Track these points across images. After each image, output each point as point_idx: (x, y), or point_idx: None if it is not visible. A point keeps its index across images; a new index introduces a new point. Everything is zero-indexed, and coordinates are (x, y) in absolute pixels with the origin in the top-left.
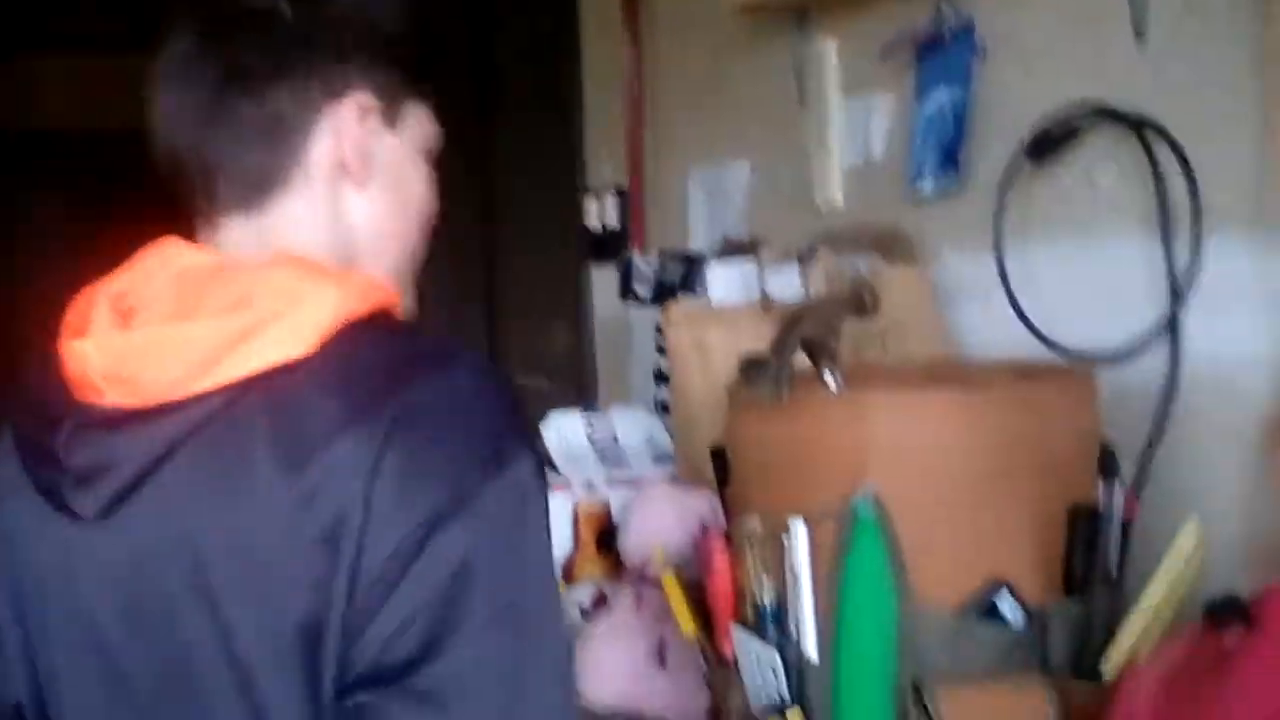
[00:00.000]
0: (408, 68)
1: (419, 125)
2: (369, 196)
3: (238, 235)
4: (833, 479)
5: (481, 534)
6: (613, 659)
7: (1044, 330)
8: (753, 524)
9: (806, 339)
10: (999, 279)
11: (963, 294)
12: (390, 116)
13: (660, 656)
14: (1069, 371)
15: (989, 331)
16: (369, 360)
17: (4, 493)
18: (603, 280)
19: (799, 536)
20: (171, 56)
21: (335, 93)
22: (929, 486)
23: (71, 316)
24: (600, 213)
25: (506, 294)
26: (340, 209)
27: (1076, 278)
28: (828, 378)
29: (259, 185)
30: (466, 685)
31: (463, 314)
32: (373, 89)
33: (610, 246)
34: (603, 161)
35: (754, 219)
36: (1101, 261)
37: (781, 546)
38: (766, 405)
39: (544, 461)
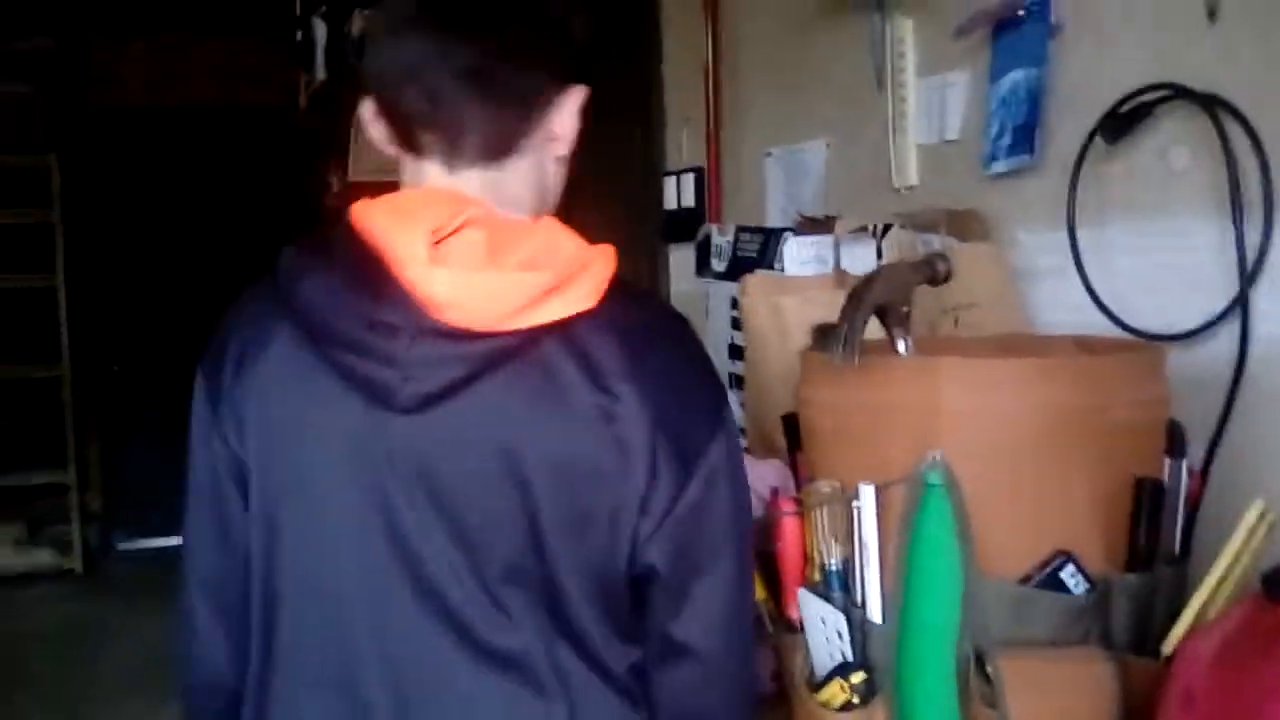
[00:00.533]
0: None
1: (581, 97)
2: (561, 163)
3: (476, 185)
4: (902, 444)
5: (718, 476)
6: None
7: (1115, 311)
8: (822, 489)
9: (879, 304)
10: (1072, 259)
11: (1036, 273)
12: (576, 93)
13: None
14: (1138, 346)
15: (1061, 311)
16: (634, 317)
17: (286, 378)
18: (680, 260)
19: (868, 501)
20: (419, 14)
21: (571, 79)
22: (997, 454)
23: (392, 240)
24: (678, 193)
25: None
26: (545, 170)
27: (1148, 258)
28: (899, 342)
29: (503, 146)
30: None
31: None
32: (573, 77)
33: (688, 226)
34: (681, 142)
35: (830, 197)
36: (1173, 242)
37: (850, 511)
38: (838, 370)
39: None
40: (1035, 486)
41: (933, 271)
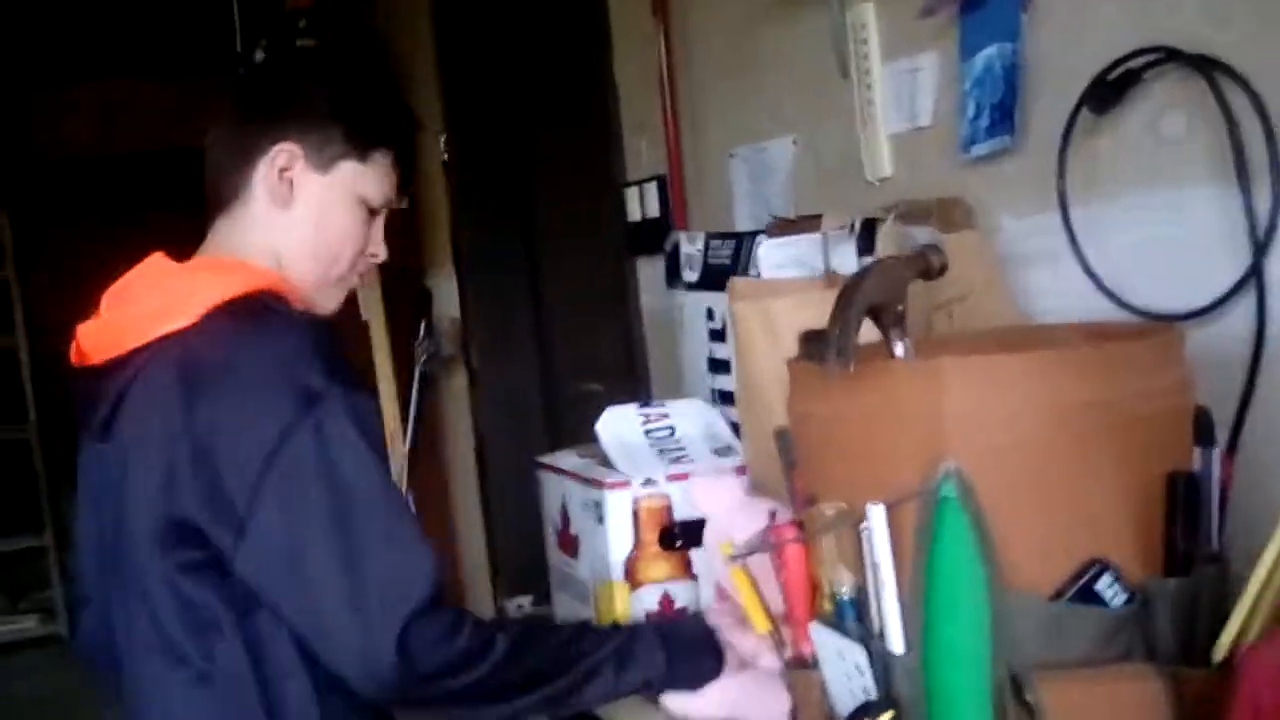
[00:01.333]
0: (365, 134)
1: (354, 179)
2: (292, 218)
3: (221, 234)
4: (909, 456)
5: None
6: None
7: (1118, 292)
8: (826, 512)
9: (872, 304)
10: (1067, 241)
11: (1024, 259)
12: (319, 164)
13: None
14: (1151, 329)
15: (1058, 298)
16: (222, 326)
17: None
18: (648, 273)
19: (878, 523)
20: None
21: (273, 139)
22: (1014, 459)
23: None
24: (641, 203)
25: (551, 296)
26: (272, 223)
27: (1148, 235)
28: (895, 345)
29: (228, 197)
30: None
31: (509, 320)
32: (302, 142)
33: (653, 237)
34: (640, 150)
35: (800, 196)
36: (1174, 216)
37: (859, 534)
38: (831, 380)
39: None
40: (1059, 490)
41: (926, 265)
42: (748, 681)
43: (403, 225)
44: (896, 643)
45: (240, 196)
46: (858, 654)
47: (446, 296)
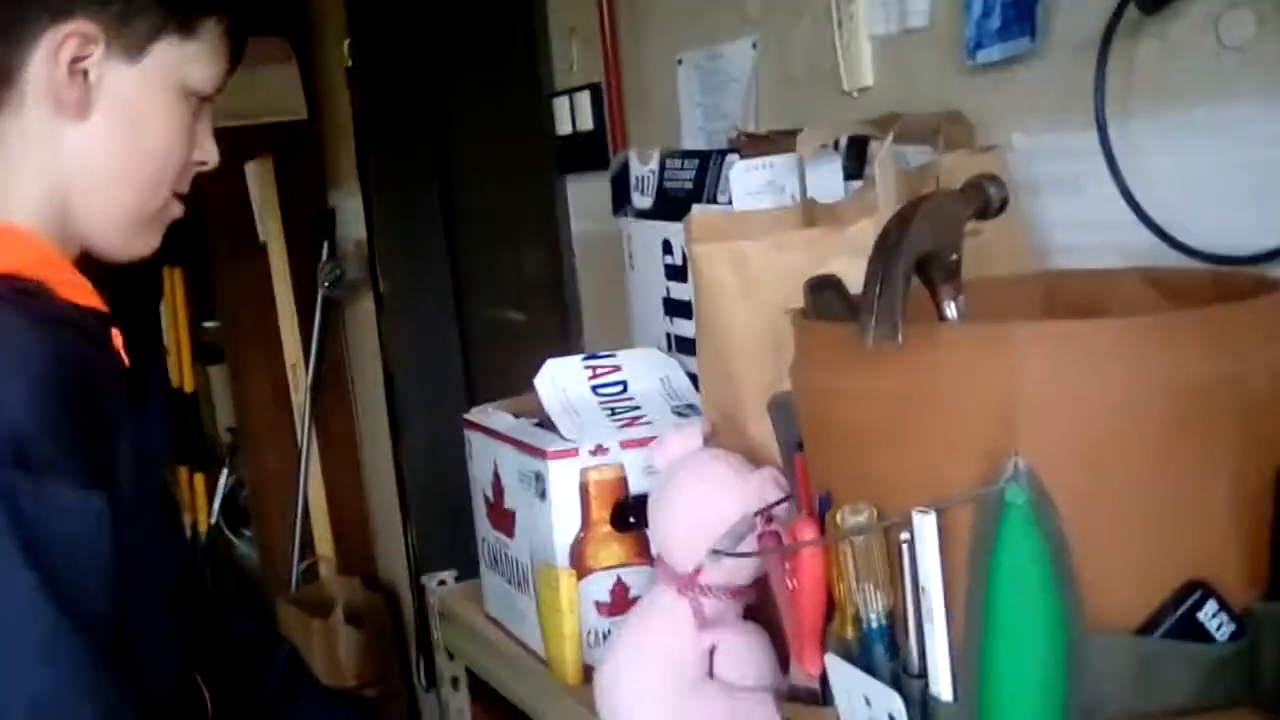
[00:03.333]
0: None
1: (177, 63)
2: (89, 130)
3: None
4: (966, 449)
5: None
6: (648, 679)
7: (1165, 227)
8: (855, 518)
9: (922, 252)
10: (1101, 164)
11: (1040, 186)
12: (127, 48)
13: (710, 671)
14: (1252, 281)
15: (1080, 232)
16: None
17: None
18: (580, 193)
19: (927, 535)
20: None
21: (54, 17)
22: (1102, 455)
23: None
24: (572, 115)
25: (468, 217)
26: (57, 144)
27: (1203, 160)
28: (948, 305)
29: None
30: None
31: (420, 242)
32: (98, 18)
33: (587, 153)
34: (571, 56)
35: (762, 109)
36: (1233, 137)
37: (895, 545)
38: (858, 347)
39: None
40: (1157, 495)
41: (985, 200)
42: (733, 704)
43: (303, 138)
44: (945, 688)
45: (3, 108)
46: (891, 700)
47: (352, 217)
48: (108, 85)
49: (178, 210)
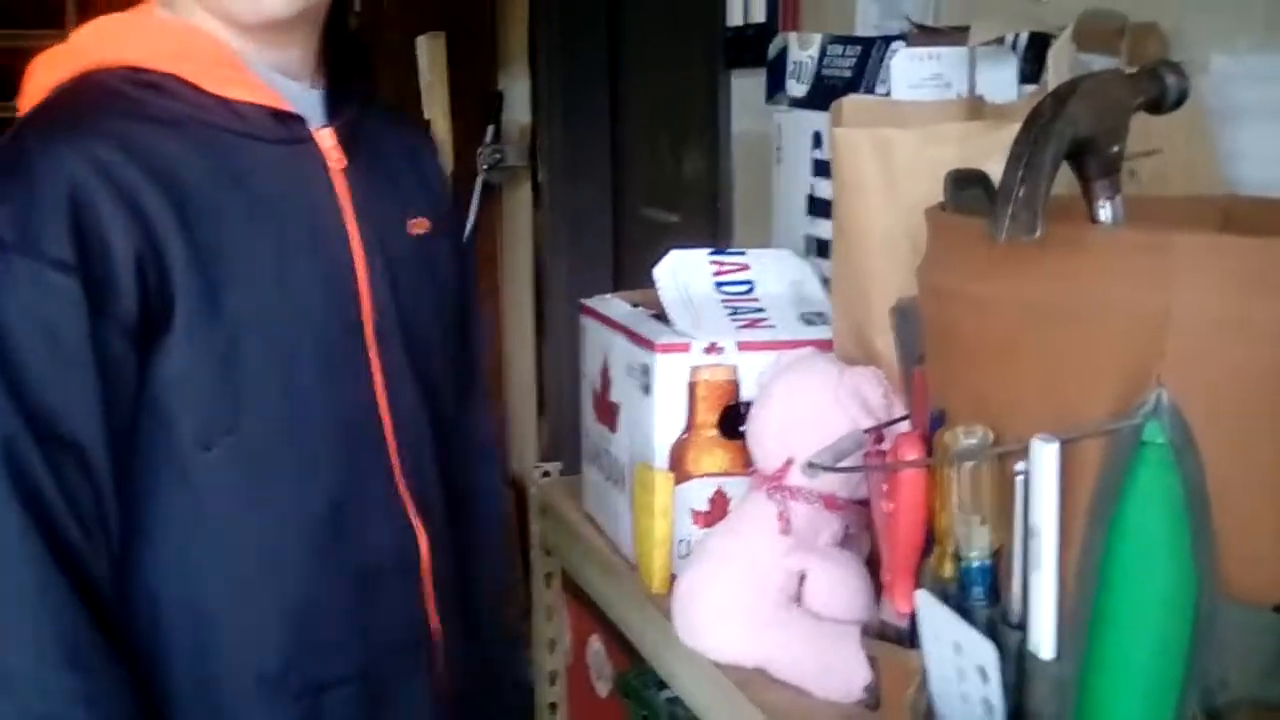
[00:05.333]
0: None
1: None
2: None
3: None
4: (1102, 373)
5: None
6: (728, 594)
7: None
8: (965, 438)
9: (1076, 140)
10: None
11: (1240, 112)
12: None
13: (797, 598)
14: None
15: (1276, 167)
16: None
17: None
18: (745, 90)
19: (1045, 465)
20: None
21: None
22: (1262, 397)
23: None
24: (744, 5)
25: (633, 111)
26: None
27: None
28: (1102, 205)
29: None
30: None
31: (583, 133)
32: None
33: (757, 47)
34: None
35: (942, 5)
36: None
37: (1009, 476)
38: (996, 247)
39: None
40: None
41: (1160, 89)
42: (818, 634)
43: (476, 17)
44: (1045, 644)
45: None
46: (983, 651)
47: (518, 101)
48: None
49: None
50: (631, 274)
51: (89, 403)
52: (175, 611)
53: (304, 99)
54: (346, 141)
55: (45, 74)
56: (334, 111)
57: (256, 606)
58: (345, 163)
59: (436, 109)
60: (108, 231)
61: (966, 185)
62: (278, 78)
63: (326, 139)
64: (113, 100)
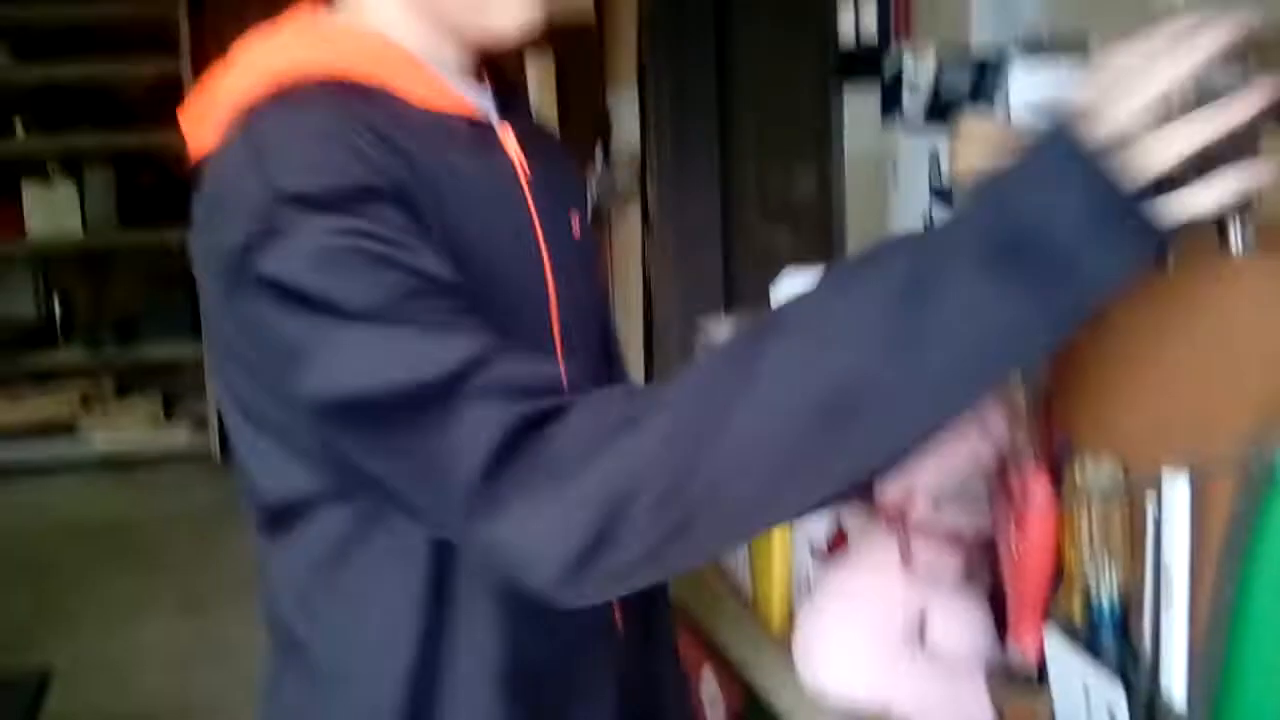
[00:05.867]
0: None
1: None
2: None
3: None
4: (1239, 405)
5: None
6: (853, 634)
7: None
8: (1096, 474)
9: (1205, 156)
10: None
11: None
12: None
13: (920, 636)
14: None
15: None
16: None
17: None
18: (858, 106)
19: (1176, 500)
20: None
21: None
22: None
23: None
24: (856, 18)
25: (743, 130)
26: None
27: None
28: (1232, 231)
29: None
30: None
31: (693, 152)
32: None
33: (869, 62)
34: None
35: (1060, 15)
36: None
37: (1141, 512)
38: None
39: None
40: None
41: None
42: (942, 674)
43: (586, 38)
44: (1177, 685)
45: None
46: (1112, 694)
47: (627, 122)
48: None
49: None
50: (743, 294)
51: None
52: None
53: (482, 99)
54: (520, 140)
55: (242, 75)
56: (504, 108)
57: None
58: (528, 163)
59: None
60: (387, 171)
61: None
62: (459, 79)
63: (510, 141)
64: (326, 99)
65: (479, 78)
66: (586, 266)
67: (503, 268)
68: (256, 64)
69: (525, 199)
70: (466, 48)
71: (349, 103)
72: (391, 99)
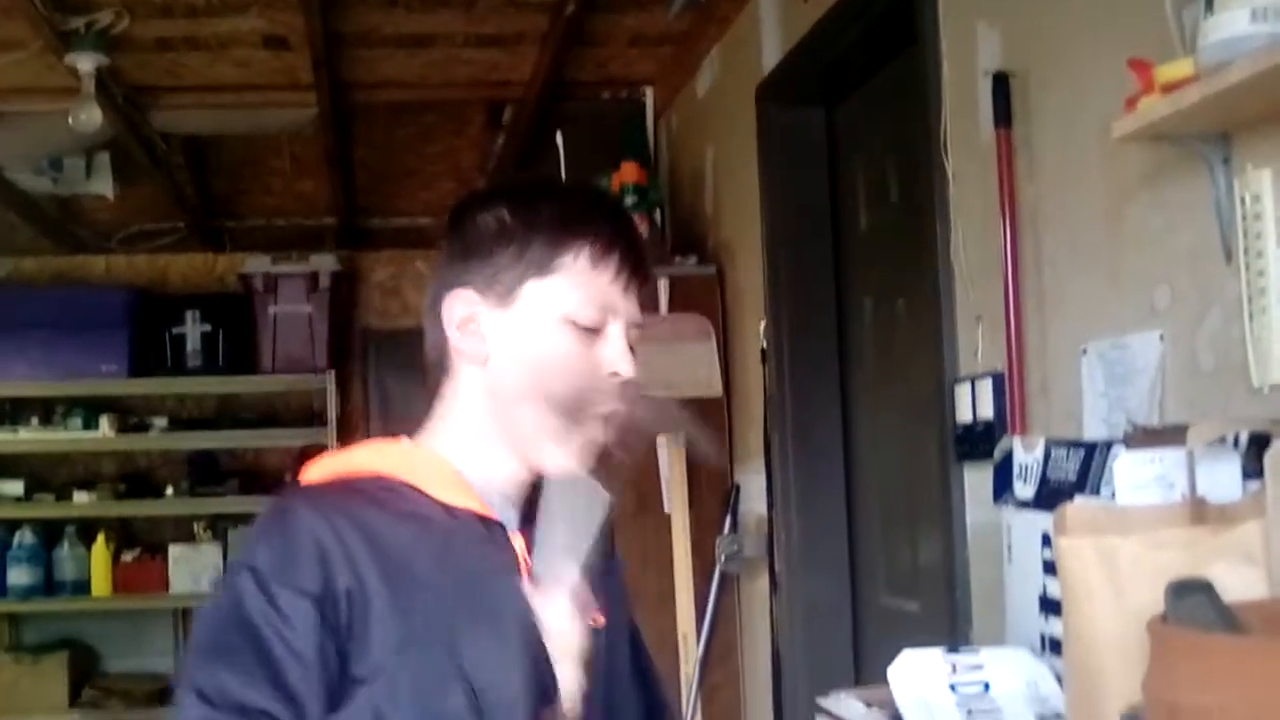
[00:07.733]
0: (536, 242)
1: (547, 298)
2: (491, 369)
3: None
4: None
5: None
6: None
7: None
8: None
9: None
10: None
11: None
12: (500, 298)
13: None
14: None
15: None
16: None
17: None
18: (976, 482)
19: None
20: None
21: (448, 286)
22: None
23: None
24: (973, 403)
25: (866, 500)
26: (474, 383)
27: None
28: None
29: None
30: None
31: (819, 523)
32: (473, 281)
33: (985, 443)
34: (976, 343)
35: (1166, 403)
36: None
37: None
38: (1229, 659)
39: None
40: None
41: None
42: None
43: (713, 412)
44: None
45: (443, 365)
46: None
47: (754, 492)
48: (493, 331)
49: (600, 432)
50: (872, 663)
51: (317, 691)
52: None
53: (505, 511)
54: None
55: (318, 469)
56: (526, 519)
57: None
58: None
59: (676, 503)
60: (335, 580)
61: (1188, 594)
62: (493, 493)
63: (519, 544)
64: (359, 494)
65: (524, 497)
66: (600, 666)
67: (480, 651)
68: (330, 463)
69: (519, 586)
70: (525, 471)
71: (375, 502)
72: (414, 492)
